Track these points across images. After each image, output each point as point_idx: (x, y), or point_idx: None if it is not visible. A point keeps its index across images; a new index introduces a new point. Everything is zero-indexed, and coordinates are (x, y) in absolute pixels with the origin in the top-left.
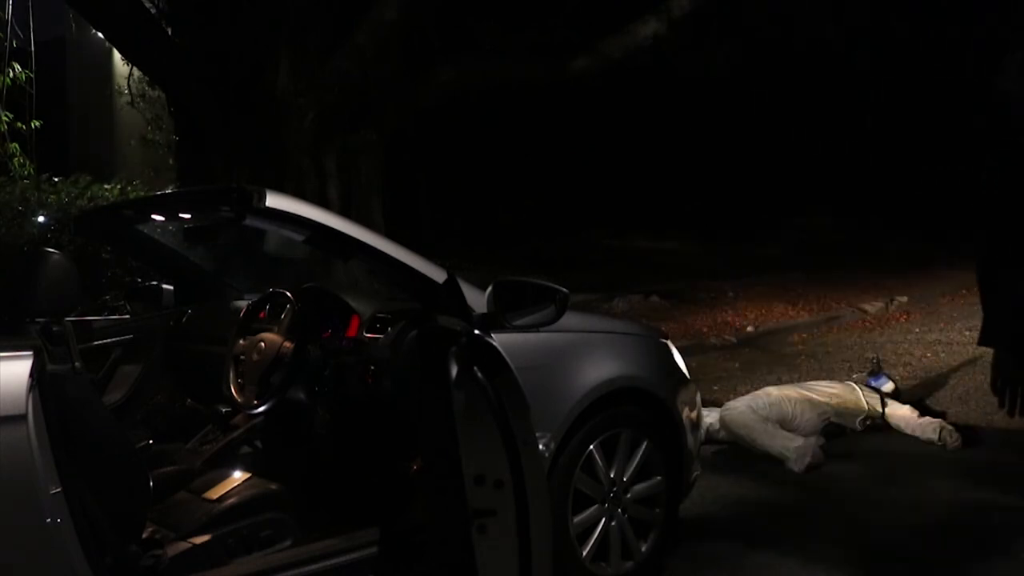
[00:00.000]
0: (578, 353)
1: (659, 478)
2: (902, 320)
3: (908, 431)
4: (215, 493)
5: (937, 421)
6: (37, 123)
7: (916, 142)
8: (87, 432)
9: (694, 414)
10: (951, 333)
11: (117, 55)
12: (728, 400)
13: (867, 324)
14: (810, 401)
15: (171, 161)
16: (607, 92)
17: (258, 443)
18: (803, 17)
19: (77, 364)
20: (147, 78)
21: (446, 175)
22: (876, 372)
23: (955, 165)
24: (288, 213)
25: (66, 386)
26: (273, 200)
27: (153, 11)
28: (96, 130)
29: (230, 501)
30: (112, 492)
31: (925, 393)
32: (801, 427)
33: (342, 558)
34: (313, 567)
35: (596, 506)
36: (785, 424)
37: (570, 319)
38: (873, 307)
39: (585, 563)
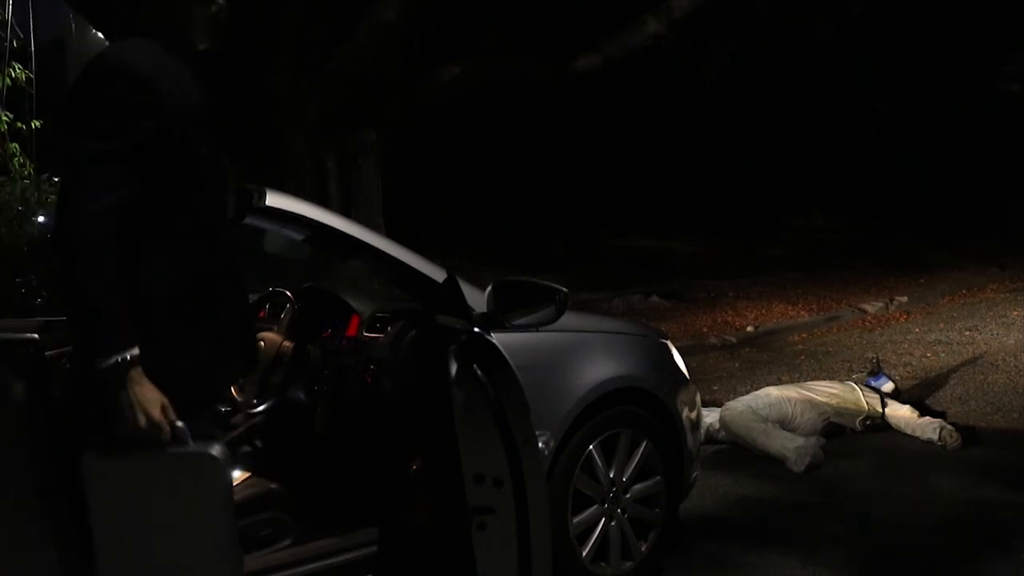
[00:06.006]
0: (578, 353)
1: (659, 478)
2: (902, 320)
3: (908, 431)
4: None
5: (937, 421)
6: (37, 123)
7: (916, 141)
8: None
9: (694, 414)
10: (951, 333)
11: None
12: (728, 400)
13: (867, 324)
14: (810, 401)
15: None
16: (608, 92)
17: (258, 443)
18: (803, 17)
19: None
20: None
21: (447, 175)
22: (876, 372)
23: (954, 165)
24: (288, 212)
25: None
26: (273, 199)
27: None
28: None
29: None
30: None
31: (925, 393)
32: (801, 427)
33: (341, 557)
34: (312, 566)
35: (596, 506)
36: (785, 424)
37: (570, 319)
38: (873, 307)
39: (585, 563)
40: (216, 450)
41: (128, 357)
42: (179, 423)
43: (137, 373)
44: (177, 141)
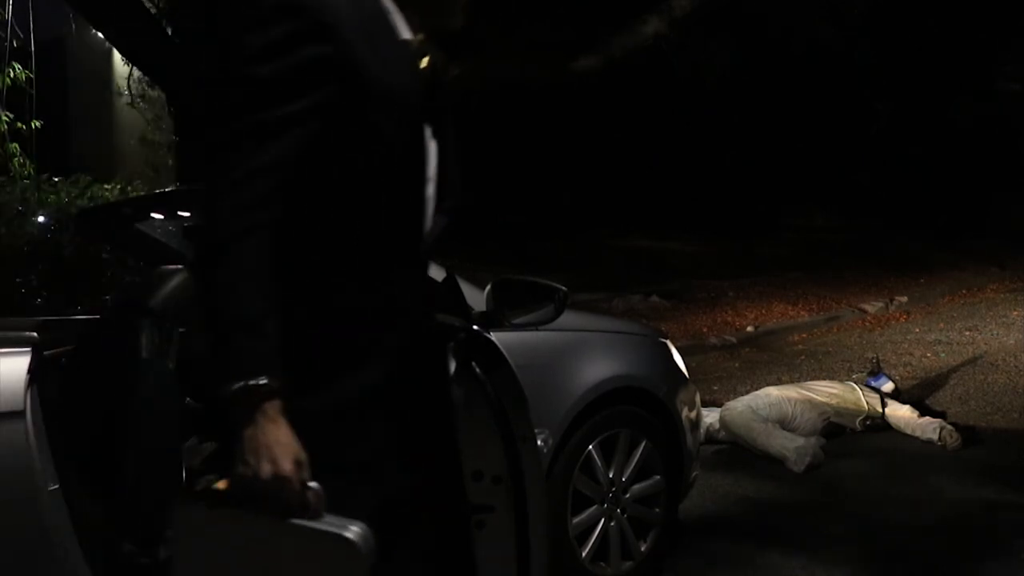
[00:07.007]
0: (577, 352)
1: (658, 478)
2: (902, 320)
3: (908, 431)
4: None
5: (937, 421)
6: (37, 123)
7: (916, 141)
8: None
9: (693, 414)
10: (951, 333)
11: (117, 55)
12: (728, 400)
13: (867, 324)
14: (810, 401)
15: (171, 161)
16: (608, 92)
17: None
18: (803, 18)
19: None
20: (147, 78)
21: None
22: (876, 372)
23: (954, 165)
24: None
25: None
26: None
27: (153, 11)
28: (96, 130)
29: None
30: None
31: (925, 393)
32: (801, 427)
33: None
34: None
35: (595, 506)
36: (785, 424)
37: (569, 318)
38: (873, 307)
39: (585, 563)
40: (355, 532)
41: (263, 382)
42: (314, 484)
43: (273, 409)
44: (359, 108)
